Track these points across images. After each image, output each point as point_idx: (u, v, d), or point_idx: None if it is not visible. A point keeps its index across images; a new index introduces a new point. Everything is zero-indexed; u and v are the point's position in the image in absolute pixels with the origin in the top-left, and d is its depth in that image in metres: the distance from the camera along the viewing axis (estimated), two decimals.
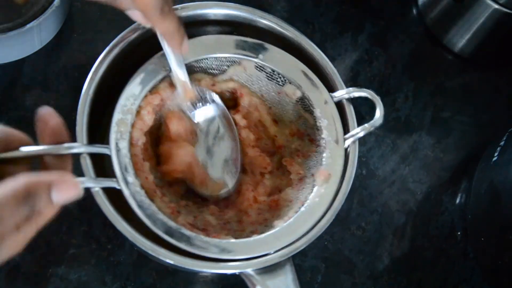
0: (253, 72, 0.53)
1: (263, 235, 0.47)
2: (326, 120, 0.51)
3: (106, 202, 0.46)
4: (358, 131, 0.49)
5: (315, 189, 0.49)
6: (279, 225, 0.48)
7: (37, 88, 0.61)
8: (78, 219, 0.57)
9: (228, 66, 0.53)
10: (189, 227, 0.48)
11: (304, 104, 0.53)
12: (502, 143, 0.58)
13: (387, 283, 0.60)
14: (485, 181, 0.58)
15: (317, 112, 0.51)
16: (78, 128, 0.48)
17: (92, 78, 0.50)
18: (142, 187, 0.47)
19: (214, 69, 0.54)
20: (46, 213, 0.34)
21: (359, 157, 0.52)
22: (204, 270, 0.47)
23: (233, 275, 0.48)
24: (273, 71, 0.53)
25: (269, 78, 0.53)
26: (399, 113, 0.67)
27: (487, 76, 0.70)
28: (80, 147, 0.44)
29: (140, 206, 0.46)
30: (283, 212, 0.50)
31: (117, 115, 0.48)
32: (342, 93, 0.51)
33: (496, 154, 0.58)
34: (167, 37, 0.47)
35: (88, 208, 0.57)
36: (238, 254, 0.46)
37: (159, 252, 0.45)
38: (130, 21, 0.49)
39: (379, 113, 0.49)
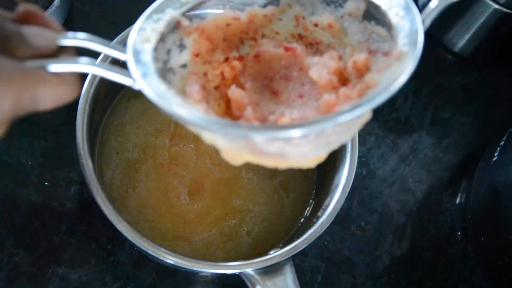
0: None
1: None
2: (401, 21, 0.42)
3: (106, 202, 0.46)
4: (436, 3, 0.41)
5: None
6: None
7: None
8: (78, 219, 0.57)
9: None
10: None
11: (371, 16, 0.44)
12: (502, 143, 0.58)
13: (387, 283, 0.60)
14: (485, 181, 0.58)
15: (391, 14, 0.42)
16: (78, 128, 0.48)
17: (92, 78, 0.50)
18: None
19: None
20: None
21: (359, 157, 0.52)
22: (204, 270, 0.47)
23: (233, 275, 0.48)
24: None
25: (327, 2, 0.45)
26: (399, 113, 0.67)
27: (487, 76, 0.70)
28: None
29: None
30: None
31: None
32: None
33: (496, 154, 0.58)
34: None
35: (88, 208, 0.57)
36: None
37: (159, 252, 0.45)
38: (130, 21, 0.49)
39: None
